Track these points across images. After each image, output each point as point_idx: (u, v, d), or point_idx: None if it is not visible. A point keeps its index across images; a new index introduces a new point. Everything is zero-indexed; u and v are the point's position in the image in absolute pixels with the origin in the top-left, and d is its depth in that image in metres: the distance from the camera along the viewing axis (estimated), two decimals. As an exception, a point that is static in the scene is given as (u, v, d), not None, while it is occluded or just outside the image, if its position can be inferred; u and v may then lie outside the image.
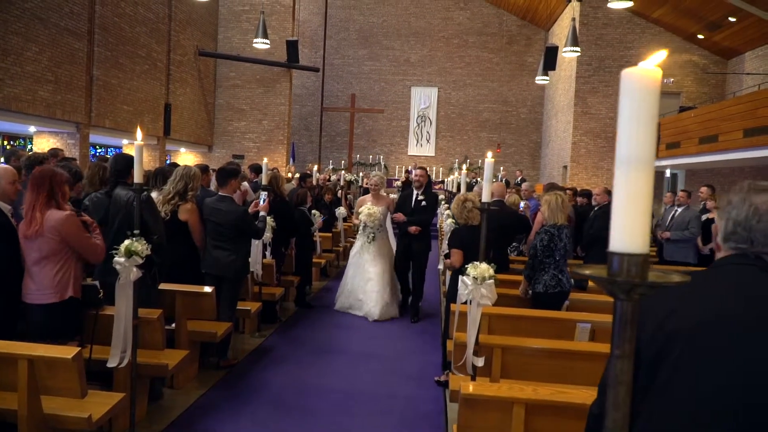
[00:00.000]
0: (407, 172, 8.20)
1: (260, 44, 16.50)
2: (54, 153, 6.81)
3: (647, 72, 0.87)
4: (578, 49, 15.77)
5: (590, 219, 7.78)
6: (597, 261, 6.95)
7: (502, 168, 22.69)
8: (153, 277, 4.56)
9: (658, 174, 19.13)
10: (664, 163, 16.18)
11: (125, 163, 4.59)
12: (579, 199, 9.04)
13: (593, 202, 8.65)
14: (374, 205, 7.61)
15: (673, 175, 18.77)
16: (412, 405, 4.95)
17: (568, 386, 3.38)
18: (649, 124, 0.87)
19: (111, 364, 3.83)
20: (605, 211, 7.80)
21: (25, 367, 3.05)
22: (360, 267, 7.76)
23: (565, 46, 15.87)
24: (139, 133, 3.71)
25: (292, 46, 18.86)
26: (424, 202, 7.59)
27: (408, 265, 7.78)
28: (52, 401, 3.23)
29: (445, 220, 9.21)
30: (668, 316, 1.51)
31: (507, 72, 24.64)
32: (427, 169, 9.24)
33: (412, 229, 7.44)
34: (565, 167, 20.40)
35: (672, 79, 19.35)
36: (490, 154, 3.78)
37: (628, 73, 0.87)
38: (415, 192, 7.69)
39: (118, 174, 4.58)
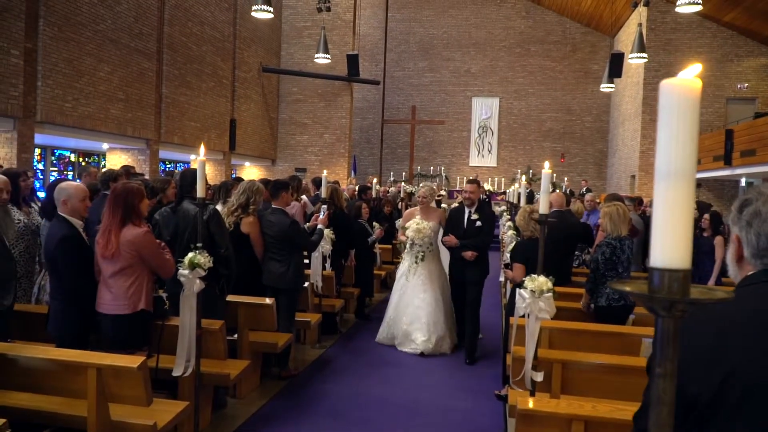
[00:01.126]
0: (459, 192, 6.71)
1: (321, 59, 16.85)
2: (127, 170, 7.15)
3: (687, 83, 0.84)
4: (645, 55, 15.32)
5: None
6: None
7: (566, 178, 22.24)
8: (221, 289, 4.72)
9: (733, 183, 18.25)
10: (739, 171, 15.43)
11: (192, 178, 4.75)
12: (649, 209, 8.76)
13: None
14: (423, 219, 6.64)
15: (749, 184, 17.85)
16: (471, 419, 4.89)
17: (631, 404, 3.26)
18: (690, 136, 0.84)
19: (176, 373, 3.98)
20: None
21: (94, 375, 3.19)
22: (406, 293, 6.76)
23: (632, 52, 15.45)
24: (202, 149, 3.86)
25: (352, 60, 19.14)
26: (478, 222, 6.34)
27: (462, 294, 6.56)
28: (120, 408, 3.37)
29: (506, 231, 9.08)
30: (716, 349, 1.32)
31: (571, 80, 24.17)
32: (481, 182, 7.95)
33: (468, 255, 6.26)
34: (633, 177, 19.77)
35: (747, 84, 18.50)
36: (547, 164, 3.72)
37: (667, 85, 0.85)
38: (467, 210, 6.48)
39: (184, 189, 4.75)
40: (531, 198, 9.05)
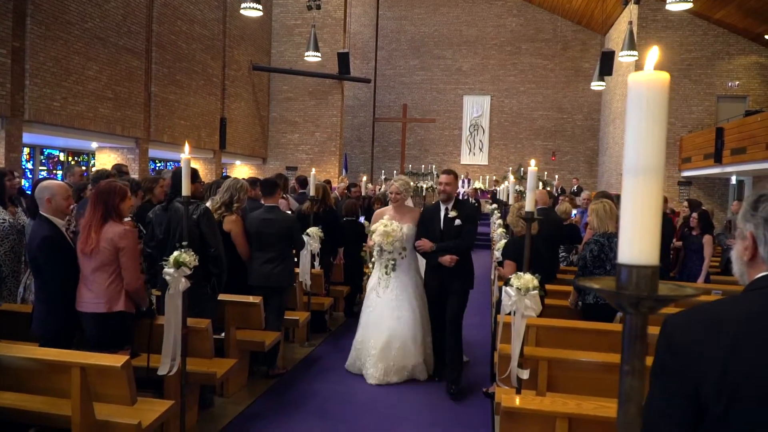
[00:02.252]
0: (440, 184, 5.48)
1: (312, 57, 16.80)
2: (119, 169, 7.11)
3: (655, 76, 0.83)
4: (636, 53, 15.35)
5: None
6: (662, 275, 6.74)
7: (557, 176, 22.28)
8: (212, 287, 4.71)
9: (724, 181, 18.35)
10: (729, 169, 15.51)
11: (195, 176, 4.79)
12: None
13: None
14: (397, 220, 5.53)
15: (740, 182, 17.96)
16: (460, 417, 4.88)
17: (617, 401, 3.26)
18: (658, 131, 0.84)
19: (161, 372, 3.95)
20: (666, 221, 7.54)
21: (78, 374, 3.17)
22: (376, 311, 5.62)
23: (622, 50, 15.49)
24: (186, 148, 3.83)
25: (343, 58, 19.11)
26: (457, 221, 5.29)
27: (441, 310, 5.46)
28: (105, 408, 3.35)
29: (496, 229, 9.09)
30: (731, 356, 1.25)
31: (562, 78, 24.22)
32: (458, 174, 6.63)
33: (446, 260, 5.19)
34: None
35: (737, 82, 18.59)
36: (533, 162, 3.72)
37: (635, 78, 0.84)
38: (443, 207, 5.41)
39: (176, 188, 4.73)
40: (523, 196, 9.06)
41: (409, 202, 6.41)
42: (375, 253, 5.62)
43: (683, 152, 18.79)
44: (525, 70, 24.48)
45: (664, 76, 0.83)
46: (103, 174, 5.77)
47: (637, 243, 0.85)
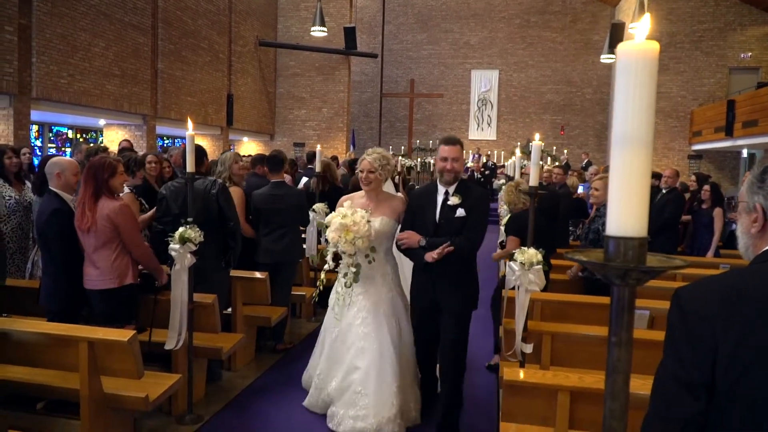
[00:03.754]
0: (443, 159, 3.42)
1: (318, 32, 16.65)
2: (124, 147, 7.15)
3: (644, 46, 0.82)
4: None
5: (658, 203, 7.44)
6: (667, 249, 6.69)
7: (566, 150, 22.13)
8: (227, 261, 4.79)
9: (735, 154, 18.16)
10: (740, 142, 15.34)
11: (198, 153, 4.79)
12: (654, 181, 8.71)
13: (662, 185, 8.27)
14: (372, 210, 3.98)
15: (751, 156, 17.78)
16: (465, 391, 4.92)
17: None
18: (647, 102, 0.83)
19: (168, 347, 4.01)
20: (677, 195, 7.47)
21: (86, 348, 3.22)
22: (337, 338, 4.09)
23: (633, 21, 15.25)
24: (189, 124, 3.83)
25: (350, 33, 18.91)
26: (460, 210, 3.75)
27: (433, 332, 3.99)
28: (112, 381, 3.41)
29: (502, 205, 9.05)
30: (744, 330, 1.24)
31: (571, 51, 23.88)
32: (466, 149, 5.08)
33: (431, 254, 3.65)
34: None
35: (750, 54, 18.29)
36: (537, 136, 3.69)
37: (623, 48, 0.83)
38: (441, 190, 3.85)
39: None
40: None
41: (389, 187, 4.77)
42: (329, 258, 3.91)
43: (694, 126, 18.59)
44: (533, 44, 24.14)
45: (653, 46, 0.82)
46: (92, 152, 5.81)
47: (625, 215, 0.84)
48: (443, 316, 3.88)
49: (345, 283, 3.91)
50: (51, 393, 3.48)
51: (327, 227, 3.86)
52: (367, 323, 3.97)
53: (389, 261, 4.18)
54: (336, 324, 4.10)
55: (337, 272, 4.05)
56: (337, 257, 3.91)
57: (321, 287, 4.29)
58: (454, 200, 3.77)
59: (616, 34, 16.96)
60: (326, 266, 3.93)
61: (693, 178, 9.12)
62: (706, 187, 7.65)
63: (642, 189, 0.84)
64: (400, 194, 4.80)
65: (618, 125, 0.84)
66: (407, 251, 3.89)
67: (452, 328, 3.85)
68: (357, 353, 3.95)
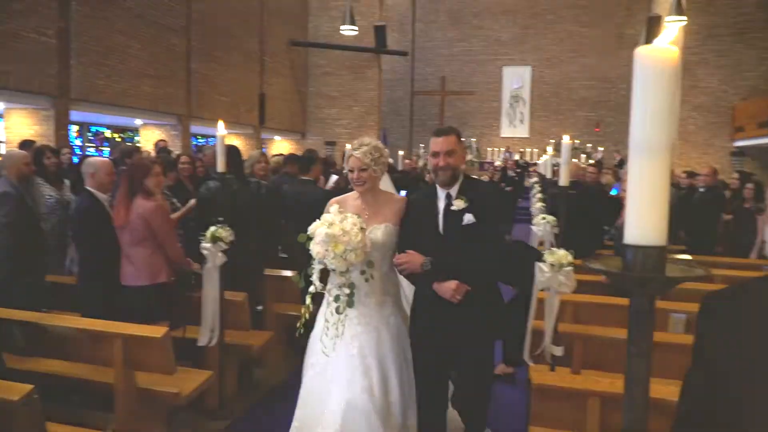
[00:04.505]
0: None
1: (348, 31, 16.71)
2: (161, 149, 7.31)
3: (662, 51, 0.81)
4: (684, 17, 14.74)
5: (695, 202, 7.26)
6: (703, 250, 6.50)
7: (601, 148, 21.77)
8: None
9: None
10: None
11: (236, 154, 4.97)
12: (684, 181, 8.54)
13: (700, 184, 8.08)
14: (370, 215, 3.18)
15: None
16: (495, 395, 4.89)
17: (654, 380, 3.21)
18: (666, 108, 0.81)
19: (200, 343, 4.10)
20: (716, 195, 7.29)
21: (120, 344, 3.32)
22: (324, 376, 3.13)
23: (670, 14, 14.89)
24: (220, 125, 3.90)
25: (380, 31, 18.92)
26: (468, 217, 2.97)
27: (441, 378, 3.21)
28: (145, 376, 3.50)
29: (536, 203, 8.95)
30: None
31: (605, 46, 23.46)
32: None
33: (446, 290, 2.93)
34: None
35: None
36: (566, 137, 3.64)
37: (641, 53, 0.82)
38: (441, 194, 3.09)
39: (233, 166, 4.88)
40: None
41: (387, 184, 3.93)
42: (314, 278, 2.91)
43: (736, 121, 18.05)
44: (566, 39, 23.80)
45: (673, 52, 0.80)
46: (126, 152, 5.98)
47: (644, 223, 0.83)
48: (460, 360, 3.07)
49: (336, 309, 2.92)
50: (86, 386, 3.59)
51: (310, 239, 2.88)
52: (363, 355, 3.05)
53: (391, 278, 3.25)
54: (321, 360, 3.11)
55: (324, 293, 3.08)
56: (325, 275, 2.96)
57: (306, 316, 2.96)
58: (458, 204, 3.00)
59: (653, 27, 16.59)
60: (312, 288, 2.89)
61: (735, 175, 8.89)
62: (749, 185, 7.44)
63: (661, 197, 0.82)
64: (402, 194, 3.96)
65: (636, 132, 0.83)
66: (410, 276, 3.10)
67: (471, 377, 3.07)
68: (346, 391, 3.01)
